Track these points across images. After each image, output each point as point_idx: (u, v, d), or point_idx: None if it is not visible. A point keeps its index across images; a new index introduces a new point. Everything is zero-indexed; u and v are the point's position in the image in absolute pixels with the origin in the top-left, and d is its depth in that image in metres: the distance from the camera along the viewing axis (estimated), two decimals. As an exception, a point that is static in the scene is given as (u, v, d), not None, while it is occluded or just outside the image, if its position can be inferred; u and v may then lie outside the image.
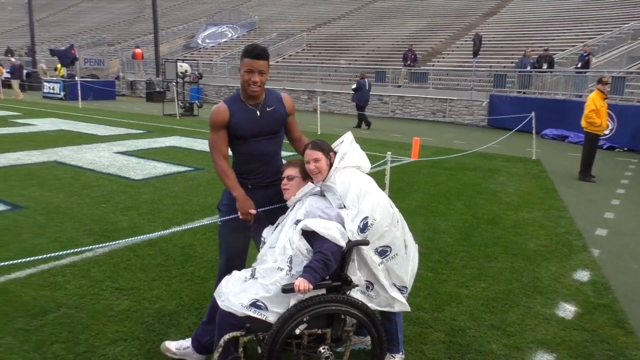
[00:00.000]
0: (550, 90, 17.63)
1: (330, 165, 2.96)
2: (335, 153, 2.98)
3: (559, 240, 5.67)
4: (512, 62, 20.57)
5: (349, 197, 2.81)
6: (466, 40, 24.43)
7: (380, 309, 2.94)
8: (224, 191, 3.24)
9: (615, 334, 3.65)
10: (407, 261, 3.00)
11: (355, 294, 2.86)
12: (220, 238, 3.30)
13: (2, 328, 3.43)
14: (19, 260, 2.97)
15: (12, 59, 28.95)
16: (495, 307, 4.00)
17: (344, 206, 2.83)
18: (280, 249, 2.81)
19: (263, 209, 3.13)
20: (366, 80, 17.08)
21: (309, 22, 34.86)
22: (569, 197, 7.75)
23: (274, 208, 3.15)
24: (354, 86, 17.21)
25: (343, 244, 2.71)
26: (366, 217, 2.78)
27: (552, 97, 16.95)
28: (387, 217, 2.85)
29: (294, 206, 2.99)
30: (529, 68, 18.52)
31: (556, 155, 11.95)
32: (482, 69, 20.94)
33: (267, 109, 3.12)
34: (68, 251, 3.52)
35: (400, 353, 3.17)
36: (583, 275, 4.71)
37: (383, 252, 2.86)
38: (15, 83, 24.63)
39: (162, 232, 5.38)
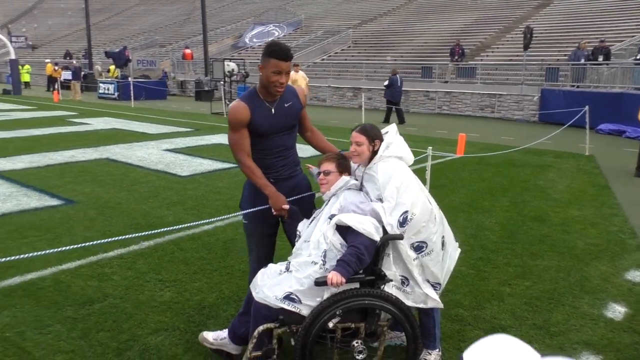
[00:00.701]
0: (606, 84, 16.89)
1: (374, 152, 2.95)
2: (381, 141, 2.97)
3: (611, 239, 5.43)
4: (565, 55, 19.82)
5: (388, 188, 2.80)
6: (517, 34, 23.72)
7: (415, 305, 2.91)
8: (246, 190, 3.29)
9: (668, 336, 3.48)
10: (444, 259, 2.96)
11: (390, 289, 2.84)
12: (249, 237, 3.34)
13: (52, 316, 3.60)
14: (93, 243, 3.10)
15: (74, 62, 30.23)
16: (539, 306, 3.88)
17: (381, 199, 2.82)
18: (315, 243, 2.83)
19: (293, 198, 3.15)
20: (398, 76, 16.92)
21: (355, 18, 34.73)
22: (623, 194, 7.41)
23: (298, 198, 3.18)
24: (386, 83, 17.16)
25: (377, 238, 2.69)
26: (406, 212, 2.76)
27: (609, 90, 16.24)
28: (425, 213, 2.83)
29: (328, 200, 3.00)
30: (583, 60, 17.81)
31: (611, 151, 11.44)
32: (534, 62, 20.29)
33: (286, 105, 3.13)
34: (113, 239, 3.64)
35: (437, 350, 3.13)
36: (636, 276, 4.49)
37: (419, 248, 2.83)
38: (76, 84, 25.79)
39: (205, 226, 5.51)
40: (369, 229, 2.67)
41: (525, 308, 3.84)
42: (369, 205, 2.83)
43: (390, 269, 2.85)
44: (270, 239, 3.31)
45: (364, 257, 2.64)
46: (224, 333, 3.11)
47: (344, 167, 3.03)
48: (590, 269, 4.60)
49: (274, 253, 3.36)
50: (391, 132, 3.03)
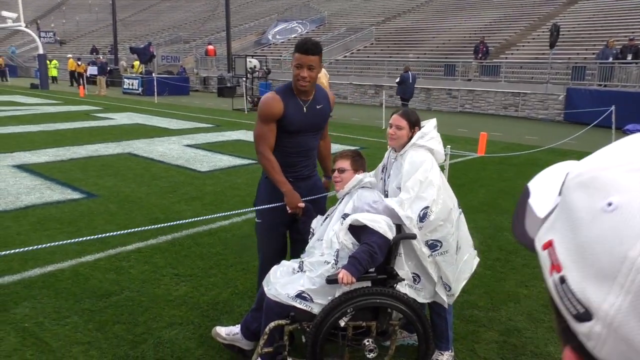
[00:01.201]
0: (635, 83, 16.52)
1: (411, 138, 2.94)
2: (420, 129, 2.96)
3: (634, 242, 5.31)
4: (592, 54, 19.43)
5: (412, 179, 2.78)
6: (543, 32, 23.34)
7: (425, 301, 2.91)
8: (261, 189, 3.28)
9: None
10: (457, 262, 2.92)
11: (403, 288, 2.83)
12: (260, 236, 3.35)
13: (70, 308, 3.67)
14: (108, 234, 3.15)
15: (100, 57, 30.69)
16: (556, 308, 3.81)
17: (400, 187, 2.80)
18: (328, 243, 2.84)
19: (308, 198, 3.16)
20: (410, 73, 16.92)
21: (378, 15, 34.57)
22: (648, 196, 7.23)
23: (315, 198, 3.18)
24: (397, 80, 17.19)
25: (390, 236, 2.68)
26: (427, 207, 2.74)
27: (637, 90, 15.88)
28: (444, 212, 2.80)
29: (342, 199, 3.00)
30: (611, 59, 17.43)
31: (638, 151, 11.16)
32: (560, 61, 19.94)
33: (317, 107, 3.12)
34: (130, 230, 3.69)
35: (450, 351, 3.10)
36: (658, 280, 4.39)
37: (433, 246, 2.81)
38: (101, 79, 26.22)
39: (222, 221, 5.55)
40: (383, 226, 2.66)
41: (542, 310, 3.78)
42: (382, 203, 2.82)
43: (403, 267, 2.84)
44: (282, 239, 3.32)
45: (376, 255, 2.63)
46: (237, 328, 3.13)
47: (358, 165, 3.02)
48: (611, 272, 4.51)
49: (285, 254, 3.37)
50: (430, 124, 3.00)
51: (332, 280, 2.62)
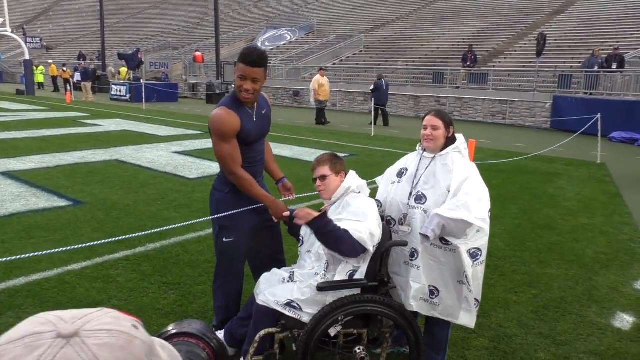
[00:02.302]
0: (620, 91, 16.73)
1: (448, 139, 2.87)
2: (454, 128, 2.92)
3: (621, 248, 5.35)
4: (578, 62, 19.67)
5: (468, 184, 2.69)
6: (530, 40, 23.60)
7: (442, 317, 2.82)
8: (229, 202, 3.06)
9: (678, 349, 3.41)
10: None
11: (417, 302, 2.78)
12: (225, 258, 3.21)
13: (56, 316, 3.60)
14: (95, 243, 3.09)
15: (82, 63, 30.45)
16: (545, 315, 3.82)
17: (449, 189, 2.73)
18: (316, 255, 2.85)
19: (252, 206, 3.09)
20: (383, 80, 17.59)
21: (367, 23, 34.75)
22: (634, 203, 7.31)
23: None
24: (372, 87, 17.79)
25: (370, 248, 2.64)
26: (490, 209, 2.71)
27: (622, 98, 16.08)
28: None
29: (330, 206, 2.97)
30: (596, 68, 17.65)
31: (623, 159, 11.31)
32: (546, 69, 20.15)
33: (262, 112, 3.08)
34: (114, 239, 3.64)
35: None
36: (645, 286, 4.42)
37: (475, 255, 2.70)
38: (87, 85, 25.96)
39: (211, 228, 5.50)
40: (364, 236, 2.62)
41: (531, 317, 3.79)
42: (366, 211, 2.76)
43: (420, 281, 2.78)
44: (250, 253, 3.29)
45: (342, 244, 2.60)
46: (220, 334, 3.08)
47: (338, 167, 2.94)
48: (599, 278, 4.54)
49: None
50: (462, 136, 2.96)
51: (323, 288, 2.61)
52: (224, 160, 2.93)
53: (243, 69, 2.80)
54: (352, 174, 2.98)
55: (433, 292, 2.78)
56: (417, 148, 3.03)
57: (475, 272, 2.72)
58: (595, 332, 3.58)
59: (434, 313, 2.80)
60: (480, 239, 2.71)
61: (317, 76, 17.42)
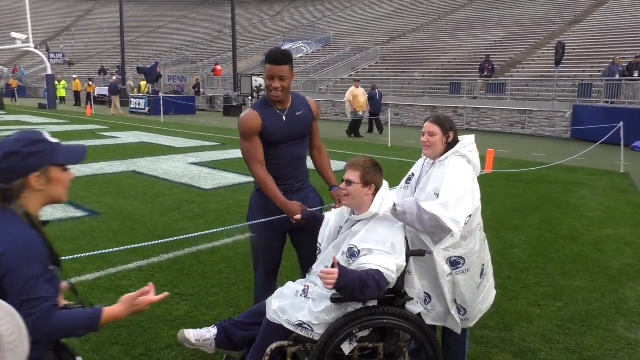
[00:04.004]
0: (642, 100, 16.41)
1: (448, 145, 2.79)
2: (455, 133, 2.81)
3: (648, 260, 5.15)
4: (598, 71, 19.38)
5: (457, 185, 2.61)
6: (548, 50, 23.36)
7: (434, 323, 2.76)
8: (253, 201, 3.22)
9: None
10: (480, 288, 2.76)
11: (416, 306, 2.69)
12: (253, 251, 3.27)
13: (67, 327, 3.54)
14: (108, 251, 3.04)
15: (114, 77, 30.90)
16: (571, 328, 3.66)
17: (438, 193, 2.64)
18: None
19: (314, 209, 3.07)
20: (377, 90, 18.41)
21: (383, 35, 34.79)
22: (661, 213, 7.08)
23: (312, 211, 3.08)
24: (366, 96, 18.37)
25: (392, 280, 2.52)
26: (470, 216, 2.59)
27: (644, 106, 15.76)
28: (469, 225, 2.63)
29: (353, 224, 2.75)
30: (617, 76, 17.36)
31: (648, 168, 11.02)
32: (566, 78, 19.89)
33: (297, 113, 3.07)
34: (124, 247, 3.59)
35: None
36: (676, 299, 4.23)
37: (455, 263, 2.63)
38: (115, 99, 26.51)
39: (225, 239, 5.44)
40: (393, 275, 2.48)
41: (556, 330, 3.63)
42: (393, 238, 2.62)
43: (414, 286, 2.70)
44: (278, 252, 3.23)
45: (367, 290, 2.41)
46: (208, 334, 2.85)
47: (370, 179, 2.68)
48: (626, 290, 4.36)
49: (280, 265, 3.29)
50: (470, 137, 2.85)
51: (336, 300, 2.49)
52: (244, 157, 3.06)
53: (269, 68, 2.91)
54: (382, 192, 2.70)
55: (426, 299, 2.73)
56: (423, 154, 2.97)
57: (456, 280, 2.65)
58: (624, 348, 3.41)
59: (427, 320, 2.72)
60: (464, 247, 2.62)
61: (352, 88, 17.46)
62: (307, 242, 3.11)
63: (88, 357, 3.19)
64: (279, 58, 2.90)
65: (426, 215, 2.52)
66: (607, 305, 4.06)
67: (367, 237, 2.61)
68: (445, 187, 2.62)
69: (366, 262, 2.50)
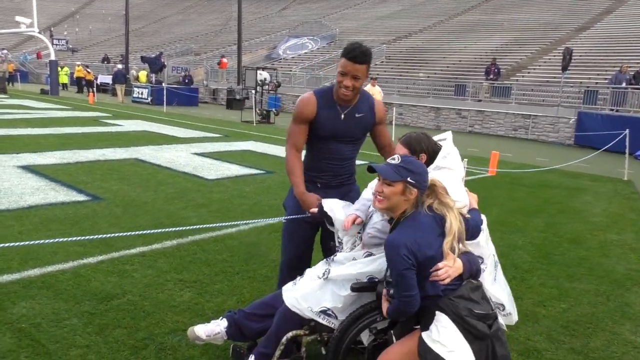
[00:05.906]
0: (647, 109, 16.40)
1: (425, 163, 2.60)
2: (427, 153, 2.63)
3: (653, 266, 5.13)
4: (604, 79, 19.37)
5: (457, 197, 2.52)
6: (554, 55, 23.34)
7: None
8: (291, 188, 3.11)
9: None
10: (497, 279, 2.71)
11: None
12: (283, 237, 3.19)
13: (69, 310, 3.52)
14: (112, 235, 3.02)
15: (119, 66, 30.77)
16: (576, 330, 3.64)
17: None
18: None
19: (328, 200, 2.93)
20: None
21: (390, 34, 34.72)
22: (665, 221, 7.06)
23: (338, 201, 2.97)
24: None
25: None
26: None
27: (649, 116, 15.74)
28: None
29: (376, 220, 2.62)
30: (624, 84, 17.34)
31: (651, 177, 11.00)
32: (571, 84, 19.86)
33: (357, 115, 2.91)
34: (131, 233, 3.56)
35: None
36: (681, 305, 4.21)
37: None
38: (121, 87, 26.50)
39: (229, 229, 5.41)
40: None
41: (561, 331, 3.61)
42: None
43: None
44: (305, 243, 3.11)
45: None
46: (218, 327, 2.81)
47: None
48: (631, 295, 4.33)
49: (308, 260, 3.17)
50: (449, 141, 2.72)
51: (357, 289, 2.43)
52: (287, 136, 2.98)
53: (344, 64, 2.71)
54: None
55: (498, 307, 2.64)
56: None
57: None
58: (630, 351, 3.39)
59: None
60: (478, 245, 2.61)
61: (368, 85, 17.17)
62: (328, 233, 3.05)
63: (91, 338, 3.16)
64: (358, 56, 2.66)
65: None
66: (612, 309, 4.03)
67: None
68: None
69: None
